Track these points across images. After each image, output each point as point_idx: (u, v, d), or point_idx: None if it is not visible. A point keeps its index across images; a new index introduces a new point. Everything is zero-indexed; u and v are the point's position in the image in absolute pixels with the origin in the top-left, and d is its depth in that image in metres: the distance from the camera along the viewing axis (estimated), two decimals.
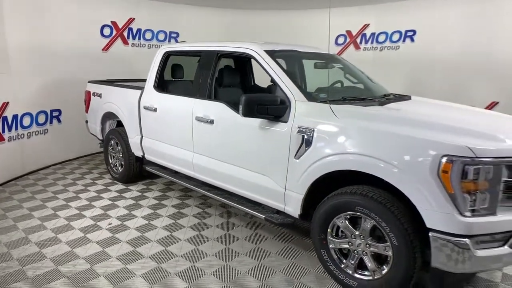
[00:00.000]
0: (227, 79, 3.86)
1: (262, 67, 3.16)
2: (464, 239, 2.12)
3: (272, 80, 3.10)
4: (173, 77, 4.40)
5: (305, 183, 2.75)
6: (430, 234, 2.20)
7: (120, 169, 4.94)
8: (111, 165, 5.09)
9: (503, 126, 2.72)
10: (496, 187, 2.16)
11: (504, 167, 2.17)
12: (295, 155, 2.79)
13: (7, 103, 4.89)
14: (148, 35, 7.14)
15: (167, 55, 4.19)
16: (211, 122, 3.42)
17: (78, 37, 5.98)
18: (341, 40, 7.80)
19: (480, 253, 2.15)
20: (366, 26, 7.50)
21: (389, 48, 7.25)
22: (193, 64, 3.99)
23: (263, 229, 3.66)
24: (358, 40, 7.63)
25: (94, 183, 4.97)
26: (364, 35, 7.55)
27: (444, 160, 2.12)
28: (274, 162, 2.95)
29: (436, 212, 2.16)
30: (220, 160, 3.45)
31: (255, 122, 3.02)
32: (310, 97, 2.89)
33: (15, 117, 5.06)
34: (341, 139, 2.55)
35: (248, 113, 2.82)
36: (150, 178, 5.08)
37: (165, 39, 7.38)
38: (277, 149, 2.91)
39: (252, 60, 3.45)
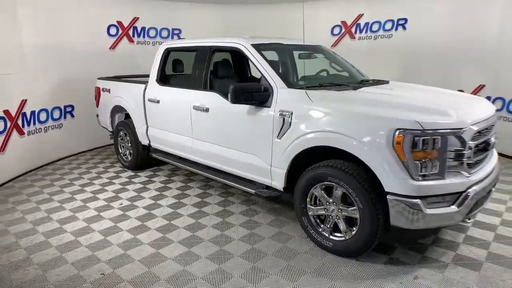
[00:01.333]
0: (222, 71, 4.23)
1: (249, 59, 3.56)
2: (415, 200, 2.51)
3: (258, 70, 3.48)
4: (174, 71, 4.81)
5: (287, 159, 3.15)
6: (387, 197, 2.59)
7: (129, 158, 5.41)
8: (121, 154, 5.56)
9: (459, 103, 3.07)
10: (444, 155, 2.52)
11: (453, 138, 2.54)
12: (278, 135, 3.19)
13: (25, 100, 5.38)
14: (152, 33, 7.56)
15: (167, 51, 4.61)
16: (207, 110, 3.84)
17: (87, 37, 6.44)
18: (336, 30, 8.10)
19: (430, 211, 2.53)
20: (360, 16, 7.78)
21: (382, 36, 7.53)
22: (193, 58, 4.38)
23: (257, 205, 4.08)
24: (353, 30, 7.92)
25: (106, 171, 5.45)
26: (359, 25, 7.83)
27: (397, 133, 2.50)
28: (261, 142, 3.35)
29: (392, 177, 2.55)
30: (215, 143, 3.87)
31: (244, 108, 3.43)
32: (290, 84, 3.28)
33: (33, 113, 5.55)
34: (314, 119, 2.94)
35: (236, 100, 3.22)
36: (157, 165, 5.53)
37: (168, 36, 7.79)
38: (263, 131, 3.31)
39: None
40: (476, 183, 2.68)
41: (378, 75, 7.37)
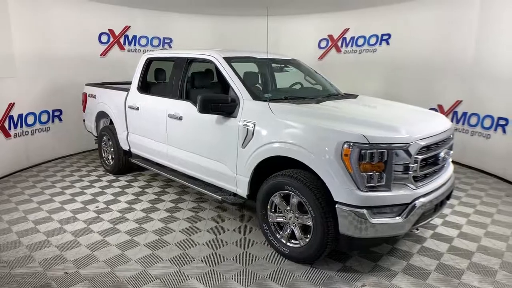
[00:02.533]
0: (199, 81, 4.38)
1: (220, 71, 3.72)
2: (361, 210, 2.64)
3: (227, 82, 3.64)
4: (156, 80, 4.98)
5: (250, 168, 3.29)
6: (336, 206, 2.72)
7: (111, 162, 5.56)
8: (104, 158, 5.71)
9: (411, 119, 3.22)
10: (390, 168, 2.66)
11: (398, 152, 2.68)
12: (242, 145, 3.34)
13: (13, 103, 5.55)
14: (143, 41, 7.76)
15: (149, 61, 4.79)
16: (180, 118, 3.99)
17: (78, 44, 6.63)
18: (323, 44, 8.31)
19: (375, 221, 2.66)
20: (346, 30, 7.99)
21: (367, 51, 7.73)
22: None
23: (227, 212, 4.21)
24: (339, 43, 8.13)
25: (88, 175, 5.59)
26: (345, 38, 8.04)
27: (345, 146, 2.64)
28: (227, 151, 3.50)
29: (340, 188, 2.69)
30: (188, 151, 4.02)
31: (213, 117, 3.58)
32: (255, 96, 3.44)
33: (20, 116, 5.72)
34: (273, 130, 3.10)
35: (203, 110, 3.37)
36: (138, 171, 5.67)
37: (159, 45, 8.00)
38: (229, 140, 3.46)
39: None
40: (424, 196, 2.82)
41: (362, 88, 7.59)
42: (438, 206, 3.05)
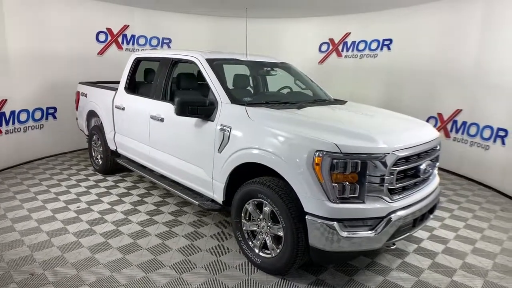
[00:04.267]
0: (184, 82, 4.30)
1: (201, 72, 3.64)
2: (332, 222, 2.52)
3: (206, 84, 3.55)
4: (145, 80, 4.93)
5: (225, 173, 3.19)
6: (306, 217, 2.60)
7: (100, 162, 5.52)
8: (94, 158, 5.67)
9: (392, 128, 3.07)
10: (363, 179, 2.54)
11: (373, 162, 2.54)
12: (219, 149, 3.24)
13: (5, 100, 5.56)
14: (142, 41, 7.74)
15: (137, 61, 4.73)
16: (162, 120, 3.92)
17: (75, 42, 6.61)
18: (324, 47, 8.18)
19: (346, 234, 2.53)
20: (347, 34, 7.85)
21: (368, 56, 7.58)
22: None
23: (208, 217, 4.11)
24: (340, 48, 7.99)
25: (77, 173, 5.56)
26: (346, 43, 7.90)
27: (317, 154, 2.52)
28: (205, 155, 3.41)
29: (310, 198, 2.57)
30: (168, 153, 3.94)
31: (192, 120, 3.50)
32: (234, 100, 3.34)
33: (12, 112, 5.72)
34: (248, 135, 2.99)
35: (181, 112, 3.29)
36: (127, 171, 5.62)
37: (158, 45, 7.97)
38: (206, 144, 3.37)
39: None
40: (402, 209, 2.68)
41: (361, 93, 7.45)
42: (418, 220, 2.90)
